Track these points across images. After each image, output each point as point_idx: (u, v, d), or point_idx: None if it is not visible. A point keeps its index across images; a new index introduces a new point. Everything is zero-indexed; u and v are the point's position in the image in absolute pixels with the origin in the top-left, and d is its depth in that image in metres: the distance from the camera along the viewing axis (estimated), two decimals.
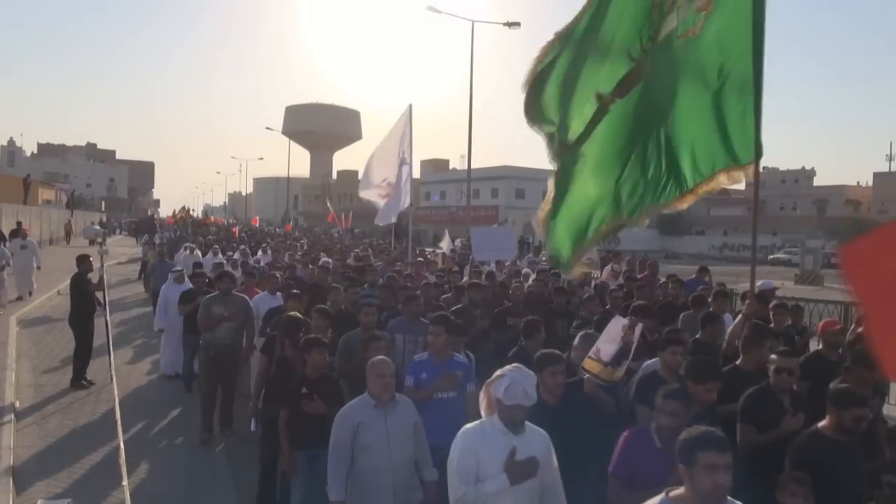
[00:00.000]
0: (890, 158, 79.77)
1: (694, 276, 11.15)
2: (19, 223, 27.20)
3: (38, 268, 17.36)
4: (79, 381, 9.36)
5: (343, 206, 46.07)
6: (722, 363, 5.03)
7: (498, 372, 3.47)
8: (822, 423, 3.90)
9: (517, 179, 67.77)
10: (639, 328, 4.56)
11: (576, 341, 5.13)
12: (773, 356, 4.52)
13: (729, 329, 5.71)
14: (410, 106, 9.97)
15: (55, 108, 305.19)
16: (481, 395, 3.56)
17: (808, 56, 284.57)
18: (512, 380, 3.37)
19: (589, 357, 4.46)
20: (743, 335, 5.06)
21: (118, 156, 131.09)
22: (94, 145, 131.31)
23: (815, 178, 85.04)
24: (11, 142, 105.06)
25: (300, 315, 6.27)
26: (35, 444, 7.18)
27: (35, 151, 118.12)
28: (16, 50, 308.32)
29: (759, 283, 9.53)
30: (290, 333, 5.73)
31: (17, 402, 8.27)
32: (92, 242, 36.13)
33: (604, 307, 7.88)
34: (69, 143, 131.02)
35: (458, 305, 7.62)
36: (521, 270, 12.61)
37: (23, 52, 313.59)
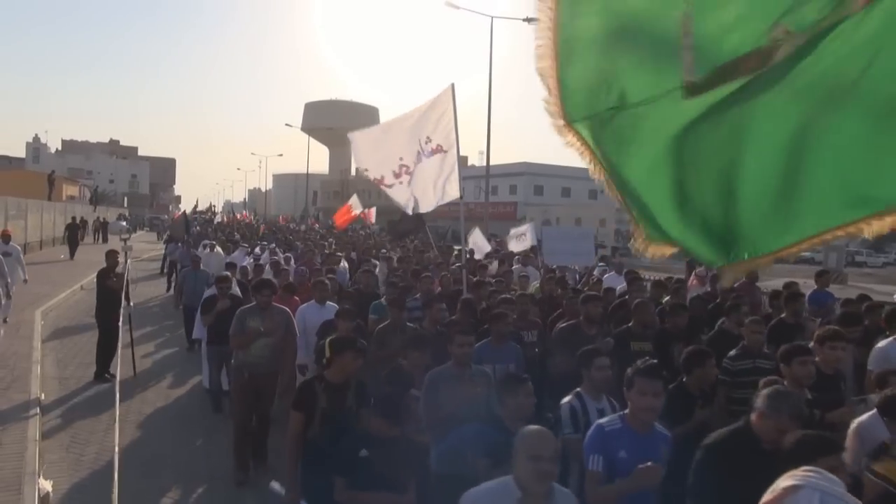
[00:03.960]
0: None
1: (816, 287, 9.04)
2: (74, 218, 29.25)
3: (25, 280, 13.60)
4: (102, 374, 9.50)
5: (363, 202, 45.98)
6: None
7: (781, 484, 2.21)
8: None
9: (535, 176, 67.53)
10: None
11: (854, 427, 3.54)
12: None
13: None
14: (453, 85, 8.49)
15: (79, 106, 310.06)
16: None
17: None
18: (822, 491, 2.15)
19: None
20: None
21: (140, 152, 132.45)
22: (117, 142, 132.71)
23: None
24: (36, 138, 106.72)
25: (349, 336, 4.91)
26: (60, 436, 7.30)
27: (59, 148, 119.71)
28: (41, 49, 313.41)
29: None
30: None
31: (43, 395, 8.40)
32: (103, 239, 36.38)
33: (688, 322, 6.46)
34: (92, 139, 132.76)
35: (570, 322, 6.23)
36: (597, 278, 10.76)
37: (47, 51, 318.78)
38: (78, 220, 30.64)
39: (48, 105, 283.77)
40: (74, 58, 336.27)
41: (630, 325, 6.19)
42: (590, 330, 5.95)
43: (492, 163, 30.85)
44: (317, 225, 42.16)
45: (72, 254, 27.10)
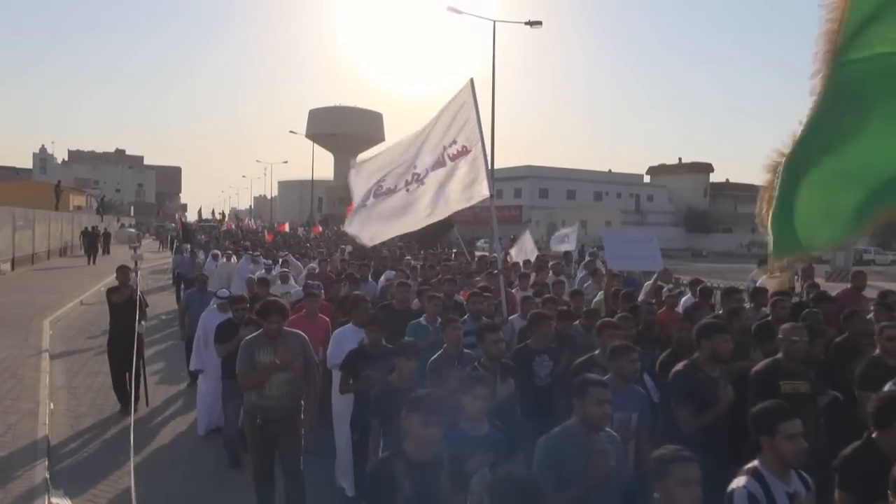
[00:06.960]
0: None
1: None
2: (93, 227, 32.22)
3: None
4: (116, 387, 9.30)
5: None
6: None
7: None
8: None
9: (540, 179, 67.60)
10: None
11: None
12: None
13: None
14: (472, 81, 7.66)
15: (85, 116, 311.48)
16: None
17: None
18: None
19: None
20: None
21: (146, 161, 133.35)
22: (123, 151, 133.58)
23: None
24: (43, 149, 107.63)
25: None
26: (69, 446, 7.34)
27: (66, 158, 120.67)
28: (46, 59, 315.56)
29: None
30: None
31: (52, 405, 8.44)
32: (104, 250, 36.04)
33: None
34: (99, 149, 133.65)
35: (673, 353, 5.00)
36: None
37: (53, 61, 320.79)
38: (92, 229, 33.63)
39: (54, 115, 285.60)
40: (80, 68, 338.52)
41: (779, 356, 4.76)
42: (713, 371, 4.59)
43: (496, 166, 30.85)
44: (327, 232, 41.77)
45: (92, 260, 29.98)
